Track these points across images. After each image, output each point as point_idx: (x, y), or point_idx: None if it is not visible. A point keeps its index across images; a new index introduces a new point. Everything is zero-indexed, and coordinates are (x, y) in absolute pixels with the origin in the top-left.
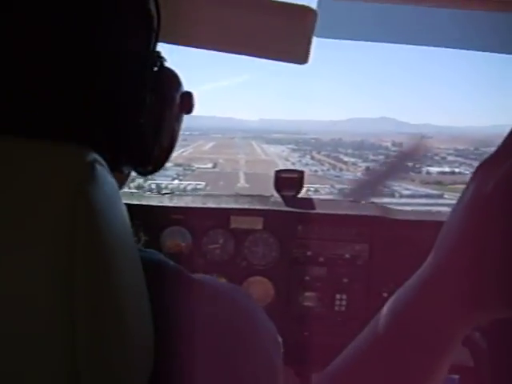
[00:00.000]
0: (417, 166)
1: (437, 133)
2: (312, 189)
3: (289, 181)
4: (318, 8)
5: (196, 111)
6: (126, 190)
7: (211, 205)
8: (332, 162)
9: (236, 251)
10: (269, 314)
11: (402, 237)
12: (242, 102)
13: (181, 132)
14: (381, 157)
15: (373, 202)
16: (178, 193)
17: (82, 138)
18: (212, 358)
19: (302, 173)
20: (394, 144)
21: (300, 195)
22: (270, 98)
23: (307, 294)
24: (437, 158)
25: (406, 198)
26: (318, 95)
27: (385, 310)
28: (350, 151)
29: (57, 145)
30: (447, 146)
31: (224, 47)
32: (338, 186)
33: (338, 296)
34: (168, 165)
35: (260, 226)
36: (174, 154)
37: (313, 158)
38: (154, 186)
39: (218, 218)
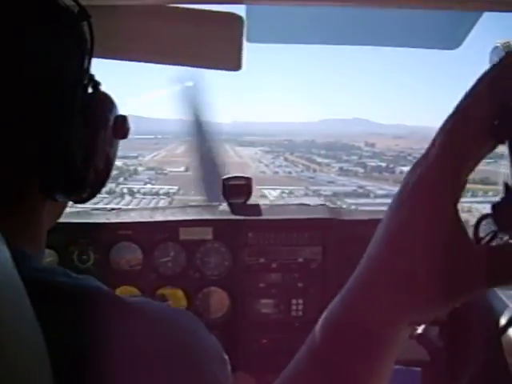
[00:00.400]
0: (390, 166)
1: (409, 133)
2: (286, 191)
3: (237, 188)
4: (247, 14)
5: (167, 114)
6: (71, 209)
7: (159, 218)
8: (306, 163)
9: (188, 263)
10: (226, 324)
11: (355, 237)
12: (216, 105)
13: (152, 136)
14: (354, 157)
15: (323, 205)
16: (124, 208)
17: (12, 162)
18: (155, 381)
19: (249, 179)
20: (366, 144)
21: (273, 198)
22: (243, 101)
23: (263, 301)
24: (410, 158)
25: (381, 198)
26: (289, 97)
27: (322, 316)
28: (323, 152)
29: None
30: (420, 146)
31: (157, 59)
32: (313, 188)
33: (294, 301)
34: (140, 169)
35: (210, 236)
36: (146, 158)
37: (286, 159)
38: (125, 191)
39: (167, 230)
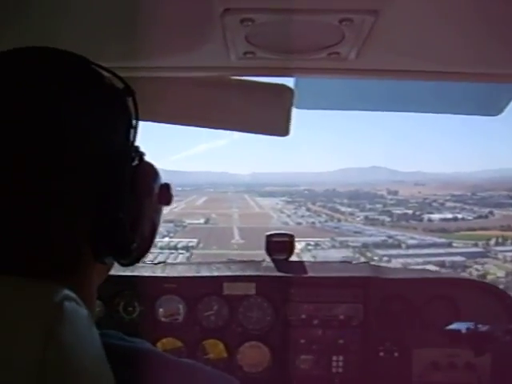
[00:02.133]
0: (417, 213)
1: (429, 179)
2: (312, 243)
3: (280, 244)
4: (296, 83)
5: (190, 168)
6: None
7: (204, 273)
8: (329, 212)
9: (230, 317)
10: (266, 379)
11: (395, 295)
12: (236, 158)
13: (173, 188)
14: (378, 205)
15: (366, 262)
16: (170, 262)
17: (66, 235)
18: None
19: (292, 236)
20: (389, 192)
21: (299, 250)
22: (261, 153)
23: (303, 356)
24: (435, 204)
25: (414, 249)
26: (307, 147)
27: None
28: (345, 201)
29: (30, 284)
30: (443, 192)
31: (213, 125)
32: (339, 239)
33: (334, 358)
34: None
35: (253, 292)
36: (165, 211)
37: (308, 209)
38: None
39: (212, 285)
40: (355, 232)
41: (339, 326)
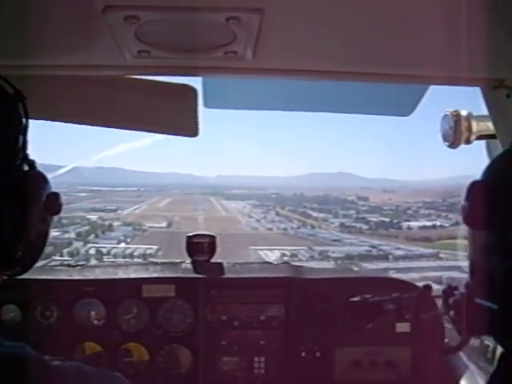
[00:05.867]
0: (394, 221)
1: (397, 186)
2: (287, 253)
3: (200, 246)
4: (203, 83)
5: (153, 168)
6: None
7: (122, 275)
8: (301, 218)
9: (151, 319)
10: (188, 381)
11: (316, 295)
12: (201, 159)
13: (135, 188)
14: (351, 211)
15: (286, 263)
16: (88, 264)
17: None
18: None
19: (213, 237)
20: (359, 198)
21: (274, 259)
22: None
23: (225, 358)
24: (410, 211)
25: (403, 261)
26: (274, 151)
27: None
28: (316, 206)
29: None
30: (414, 199)
31: (118, 125)
32: (318, 248)
33: (256, 359)
34: (116, 224)
35: (173, 294)
36: (125, 213)
37: (278, 213)
38: (93, 252)
39: (130, 287)
40: (333, 240)
41: (260, 326)
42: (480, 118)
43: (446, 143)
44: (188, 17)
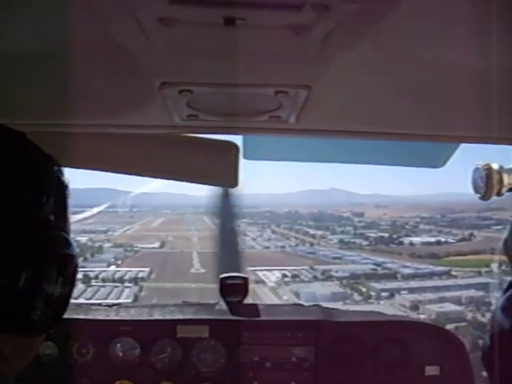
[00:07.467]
0: (394, 236)
1: (390, 202)
2: (288, 273)
3: (234, 287)
4: (244, 138)
5: (147, 188)
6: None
7: (157, 316)
8: (298, 235)
9: (184, 359)
10: None
11: (347, 337)
12: None
13: (127, 209)
14: (349, 228)
15: (317, 305)
16: (124, 304)
17: None
18: None
19: (246, 279)
20: (354, 214)
21: (274, 283)
22: None
23: None
24: (408, 227)
25: (413, 280)
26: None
27: None
28: (312, 223)
29: None
30: (409, 214)
31: (165, 176)
32: (320, 268)
33: None
34: (106, 245)
35: (206, 334)
36: (116, 233)
37: (274, 231)
38: (80, 276)
39: (165, 328)
40: (334, 258)
41: (291, 368)
42: (511, 170)
43: (478, 195)
44: (237, 91)
